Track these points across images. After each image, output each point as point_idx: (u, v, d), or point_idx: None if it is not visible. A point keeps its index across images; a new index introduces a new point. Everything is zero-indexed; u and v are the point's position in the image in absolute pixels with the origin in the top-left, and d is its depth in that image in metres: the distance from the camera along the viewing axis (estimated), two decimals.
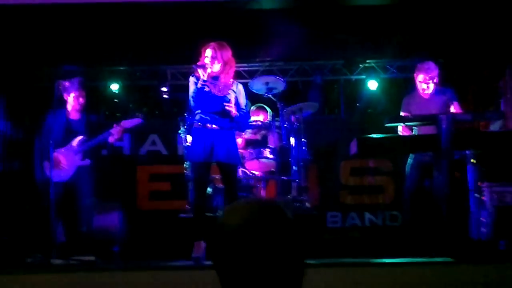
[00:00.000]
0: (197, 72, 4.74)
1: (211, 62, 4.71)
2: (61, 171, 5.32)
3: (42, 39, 6.89)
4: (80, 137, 5.41)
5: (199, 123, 4.74)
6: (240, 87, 4.93)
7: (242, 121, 4.90)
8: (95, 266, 4.83)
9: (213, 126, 4.71)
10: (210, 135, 4.69)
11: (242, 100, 4.92)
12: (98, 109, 8.88)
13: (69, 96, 5.49)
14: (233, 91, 4.82)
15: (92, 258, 5.01)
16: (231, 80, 4.86)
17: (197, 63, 4.73)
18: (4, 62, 7.22)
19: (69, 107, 5.52)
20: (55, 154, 5.31)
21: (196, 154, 4.71)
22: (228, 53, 4.79)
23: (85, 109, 5.62)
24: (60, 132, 5.39)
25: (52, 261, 4.70)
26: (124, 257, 6.01)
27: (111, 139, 5.39)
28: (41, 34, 6.80)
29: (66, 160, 5.36)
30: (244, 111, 4.95)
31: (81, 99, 5.53)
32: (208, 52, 4.74)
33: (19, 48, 7.03)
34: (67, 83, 5.39)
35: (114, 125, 5.36)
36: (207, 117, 4.72)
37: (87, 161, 5.41)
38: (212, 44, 4.76)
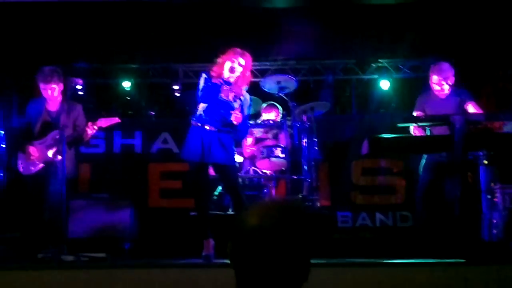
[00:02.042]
0: (213, 71, 4.73)
1: (231, 71, 4.69)
2: (30, 164, 5.25)
3: (55, 38, 6.93)
4: (55, 131, 5.22)
5: (198, 123, 4.68)
6: (247, 96, 4.88)
7: (242, 130, 4.84)
8: (106, 263, 4.84)
9: (212, 128, 4.65)
10: (207, 136, 4.62)
11: (246, 110, 4.86)
12: (110, 107, 8.94)
13: (40, 88, 5.31)
14: (240, 99, 4.78)
15: (103, 255, 5.02)
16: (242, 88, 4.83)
17: (215, 70, 4.70)
18: (17, 61, 7.27)
19: (47, 98, 5.34)
20: (29, 146, 5.24)
21: (192, 153, 4.64)
22: (250, 66, 4.78)
23: (66, 100, 5.35)
24: (37, 123, 5.30)
25: (63, 257, 4.69)
26: (134, 254, 6.03)
27: (85, 137, 5.24)
28: (54, 32, 6.84)
29: (38, 153, 5.24)
30: (246, 121, 4.90)
31: (53, 90, 5.27)
32: (229, 64, 4.69)
33: (32, 47, 7.07)
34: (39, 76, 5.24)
35: (89, 123, 5.18)
36: (207, 118, 4.66)
37: (57, 157, 5.12)
38: (238, 54, 4.72)
